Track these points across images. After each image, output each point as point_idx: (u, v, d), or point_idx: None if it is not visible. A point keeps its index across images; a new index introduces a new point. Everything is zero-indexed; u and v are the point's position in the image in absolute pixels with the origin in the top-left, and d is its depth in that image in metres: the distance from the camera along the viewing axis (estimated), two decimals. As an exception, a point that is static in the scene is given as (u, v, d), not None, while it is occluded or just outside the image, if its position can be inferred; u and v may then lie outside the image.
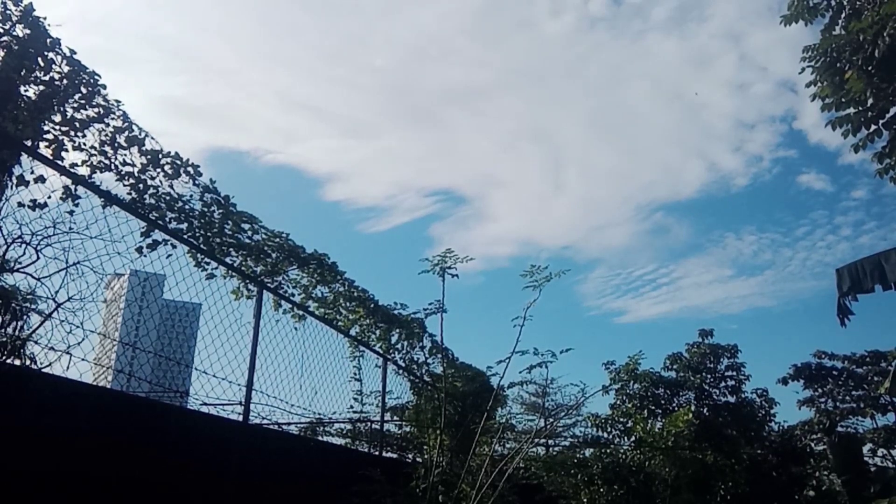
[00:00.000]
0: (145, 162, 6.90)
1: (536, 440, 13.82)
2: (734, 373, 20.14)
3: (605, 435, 17.15)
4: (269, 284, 8.41)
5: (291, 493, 6.89)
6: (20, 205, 5.28)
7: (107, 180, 6.49)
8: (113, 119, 6.54)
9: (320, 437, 10.96)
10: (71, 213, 5.56)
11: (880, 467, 21.66)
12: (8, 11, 5.62)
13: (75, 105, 6.16)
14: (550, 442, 17.68)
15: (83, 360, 4.99)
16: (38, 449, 4.42)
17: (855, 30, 8.30)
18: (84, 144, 6.29)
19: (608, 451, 13.84)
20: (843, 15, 8.95)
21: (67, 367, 4.83)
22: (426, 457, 9.64)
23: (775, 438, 19.94)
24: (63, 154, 6.01)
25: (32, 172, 5.41)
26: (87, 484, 4.73)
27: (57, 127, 6.00)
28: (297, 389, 7.85)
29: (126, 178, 6.77)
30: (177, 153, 7.19)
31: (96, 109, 6.35)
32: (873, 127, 8.67)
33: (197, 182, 7.47)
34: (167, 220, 7.24)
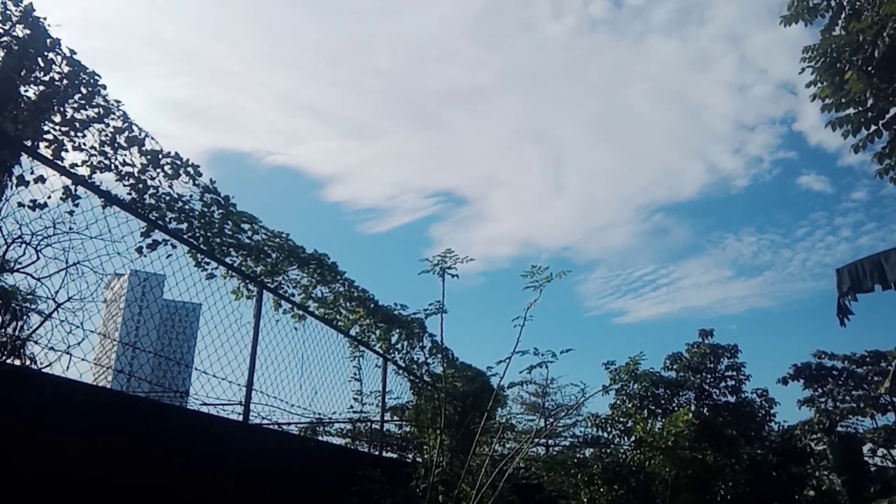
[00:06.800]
0: (145, 162, 6.89)
1: (536, 440, 13.82)
2: (734, 373, 20.11)
3: (605, 435, 17.14)
4: (269, 284, 8.40)
5: (291, 493, 6.89)
6: (20, 205, 5.28)
7: (107, 180, 6.49)
8: (113, 119, 6.54)
9: (320, 437, 10.97)
10: (71, 213, 5.56)
11: (880, 467, 21.65)
12: (8, 11, 5.61)
13: (75, 105, 6.15)
14: (550, 442, 17.68)
15: (83, 360, 4.99)
16: (38, 449, 4.42)
17: (855, 30, 8.29)
18: (84, 144, 6.28)
19: (608, 451, 13.84)
20: (843, 15, 8.94)
21: (67, 367, 4.83)
22: (426, 457, 9.64)
23: (775, 438, 19.90)
24: (63, 154, 6.01)
25: (32, 172, 5.41)
26: (87, 484, 4.73)
27: (57, 127, 6.00)
28: (297, 389, 7.85)
29: (126, 178, 6.77)
30: (177, 153, 7.19)
31: (96, 110, 6.35)
32: (873, 127, 8.67)
33: (197, 182, 7.47)
34: (167, 220, 7.23)
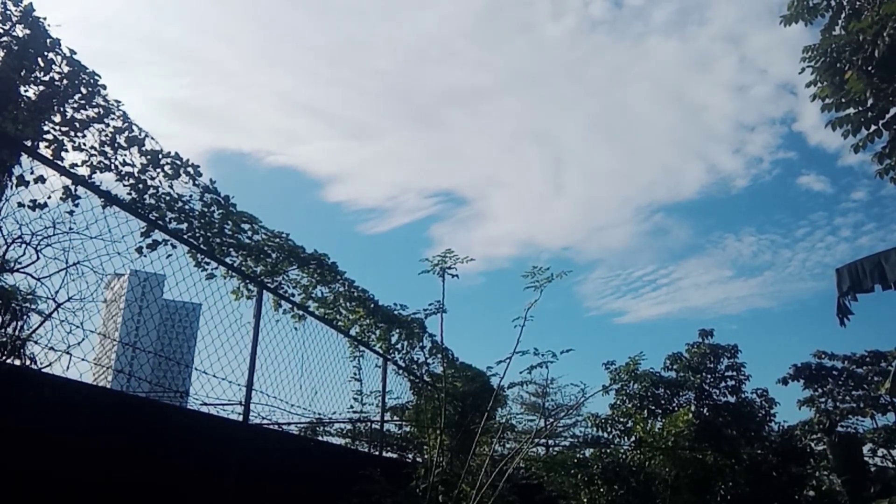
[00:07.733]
0: (145, 162, 6.89)
1: (536, 440, 13.81)
2: (734, 373, 20.08)
3: (605, 435, 17.12)
4: (269, 284, 8.40)
5: (291, 493, 6.89)
6: (20, 205, 5.28)
7: (107, 180, 6.48)
8: (113, 119, 6.53)
9: (320, 437, 10.97)
10: (71, 213, 5.56)
11: (880, 467, 21.64)
12: (8, 11, 5.61)
13: (75, 105, 6.15)
14: (550, 442, 17.67)
15: (83, 360, 4.99)
16: (38, 449, 4.42)
17: (855, 30, 8.29)
18: (84, 144, 6.28)
19: (608, 451, 13.84)
20: (843, 15, 8.93)
21: (67, 367, 4.83)
22: (426, 457, 9.64)
23: (775, 438, 19.89)
24: (63, 154, 6.00)
25: (32, 172, 5.41)
26: (87, 484, 4.73)
27: (57, 127, 5.99)
28: (297, 389, 7.86)
29: (126, 178, 6.76)
30: (177, 153, 7.19)
31: (96, 110, 6.34)
32: (873, 127, 8.66)
33: (197, 182, 7.46)
34: (167, 220, 7.23)
